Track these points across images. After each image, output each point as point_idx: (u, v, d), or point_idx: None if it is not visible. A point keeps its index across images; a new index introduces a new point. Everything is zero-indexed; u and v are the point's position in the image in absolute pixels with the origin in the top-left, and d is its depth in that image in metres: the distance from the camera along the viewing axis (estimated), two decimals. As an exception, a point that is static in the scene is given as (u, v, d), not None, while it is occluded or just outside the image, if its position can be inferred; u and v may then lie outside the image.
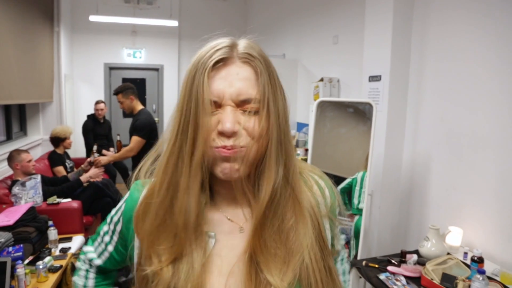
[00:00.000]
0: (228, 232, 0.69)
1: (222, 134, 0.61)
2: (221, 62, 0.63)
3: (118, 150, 4.23)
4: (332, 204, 0.76)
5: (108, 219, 0.80)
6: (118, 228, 0.77)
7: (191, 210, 0.64)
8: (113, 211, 0.80)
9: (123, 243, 0.77)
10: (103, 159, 3.97)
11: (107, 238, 0.81)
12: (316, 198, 0.72)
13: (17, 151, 3.41)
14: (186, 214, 0.64)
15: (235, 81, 0.63)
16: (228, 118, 0.61)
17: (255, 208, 0.66)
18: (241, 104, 0.63)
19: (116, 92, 3.84)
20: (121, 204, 0.78)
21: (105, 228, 0.81)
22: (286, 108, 0.69)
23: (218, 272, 0.66)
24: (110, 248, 0.81)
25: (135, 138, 3.69)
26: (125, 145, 3.98)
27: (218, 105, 0.63)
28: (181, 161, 0.63)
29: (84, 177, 3.76)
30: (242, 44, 0.66)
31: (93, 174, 3.83)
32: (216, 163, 0.63)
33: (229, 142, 0.61)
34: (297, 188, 0.69)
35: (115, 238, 0.79)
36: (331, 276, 0.69)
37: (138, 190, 0.75)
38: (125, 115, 6.58)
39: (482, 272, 1.64)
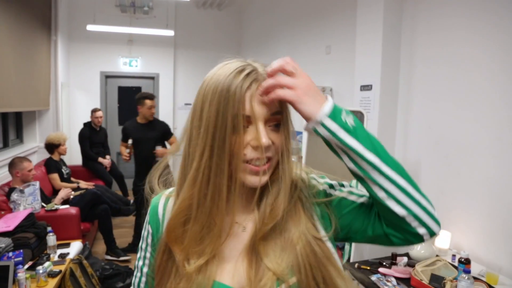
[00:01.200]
0: (233, 232, 0.76)
1: (256, 148, 0.68)
2: (253, 84, 0.69)
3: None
4: (313, 186, 0.81)
5: (140, 244, 0.85)
6: (149, 240, 0.82)
7: (231, 216, 0.73)
8: (142, 232, 0.84)
9: (154, 252, 0.81)
10: (162, 151, 4.02)
11: (140, 263, 0.84)
12: (300, 188, 0.79)
13: (20, 159, 3.44)
14: (225, 220, 0.72)
15: (266, 99, 0.69)
16: (264, 134, 0.68)
17: (271, 211, 0.73)
18: (271, 118, 0.70)
19: (153, 97, 4.04)
20: (146, 218, 0.84)
21: (138, 256, 0.86)
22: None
23: (226, 262, 0.74)
24: (145, 269, 0.84)
25: (175, 137, 4.12)
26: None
27: (249, 121, 0.69)
28: (220, 173, 0.69)
29: (57, 199, 3.69)
30: (261, 68, 0.72)
31: (64, 195, 3.79)
32: (248, 175, 0.70)
33: (262, 155, 0.68)
34: (291, 187, 0.77)
35: (148, 254, 0.83)
36: (319, 260, 0.73)
37: (157, 199, 0.83)
38: (122, 122, 6.64)
39: (467, 272, 1.73)
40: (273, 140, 0.70)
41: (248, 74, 0.69)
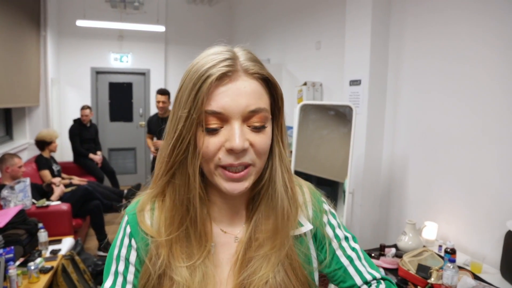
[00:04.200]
0: (224, 244, 0.71)
1: (231, 151, 0.60)
2: (226, 77, 0.60)
3: None
4: (316, 210, 0.75)
5: (113, 268, 0.69)
6: (133, 258, 0.69)
7: (204, 218, 0.67)
8: (114, 252, 0.70)
9: (138, 273, 0.69)
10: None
11: None
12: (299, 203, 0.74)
13: (10, 155, 3.42)
14: (207, 227, 0.68)
15: (243, 94, 0.60)
16: (237, 135, 0.59)
17: (259, 233, 0.68)
18: (249, 116, 0.61)
19: (166, 92, 4.13)
20: (122, 233, 0.71)
21: (108, 285, 0.68)
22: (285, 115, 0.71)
23: (219, 281, 0.68)
24: None
25: None
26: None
27: (223, 119, 0.60)
28: (184, 186, 0.64)
29: (54, 197, 3.72)
30: (243, 56, 0.63)
31: (61, 193, 3.84)
32: (223, 181, 0.63)
33: (236, 161, 0.60)
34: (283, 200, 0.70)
35: (131, 276, 0.68)
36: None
37: (135, 209, 0.72)
38: (113, 119, 6.62)
39: (452, 261, 1.77)
40: (252, 142, 0.61)
41: (219, 62, 0.60)
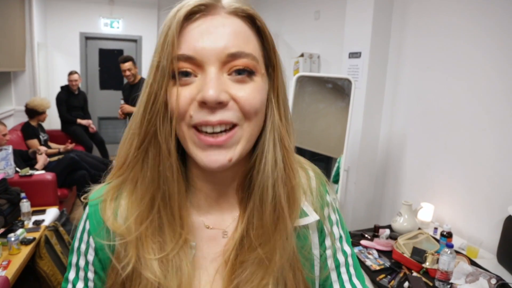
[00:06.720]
0: (208, 239, 0.58)
1: (203, 105, 0.47)
2: (200, 12, 0.49)
3: None
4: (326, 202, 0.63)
5: (74, 260, 0.59)
6: (91, 257, 0.57)
7: (180, 200, 0.53)
8: (75, 245, 0.59)
9: (99, 274, 0.58)
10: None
11: (79, 286, 0.58)
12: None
13: None
14: (174, 203, 0.53)
15: (220, 33, 0.48)
16: (212, 83, 0.46)
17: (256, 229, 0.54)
18: (229, 61, 0.48)
19: (127, 60, 3.97)
20: (82, 226, 0.59)
21: (71, 277, 0.59)
22: (285, 78, 0.56)
23: (203, 272, 0.56)
24: None
25: None
26: None
27: (197, 65, 0.48)
28: (164, 144, 0.50)
29: (38, 166, 3.60)
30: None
31: (45, 161, 3.72)
32: (199, 149, 0.49)
33: (214, 117, 0.47)
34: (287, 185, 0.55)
35: (91, 274, 0.58)
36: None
37: (99, 201, 0.58)
38: (103, 86, 6.43)
39: (450, 246, 1.70)
40: (234, 96, 0.48)
41: (198, 4, 0.48)
